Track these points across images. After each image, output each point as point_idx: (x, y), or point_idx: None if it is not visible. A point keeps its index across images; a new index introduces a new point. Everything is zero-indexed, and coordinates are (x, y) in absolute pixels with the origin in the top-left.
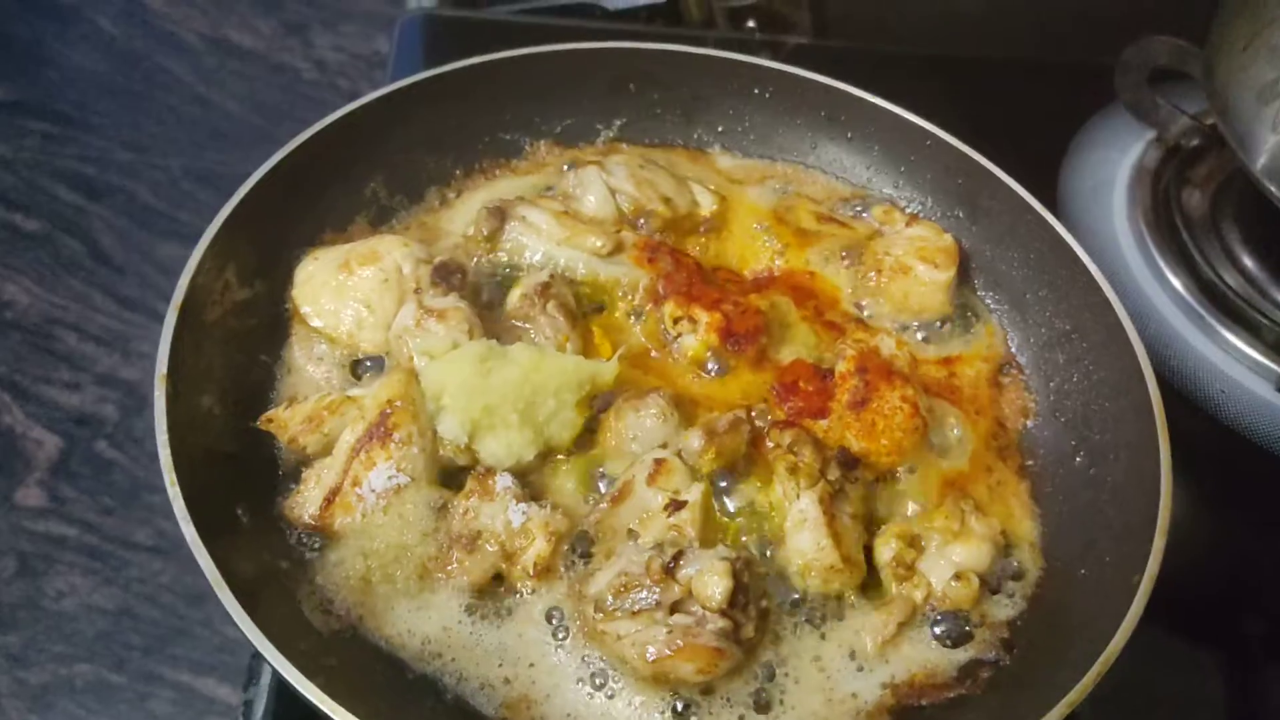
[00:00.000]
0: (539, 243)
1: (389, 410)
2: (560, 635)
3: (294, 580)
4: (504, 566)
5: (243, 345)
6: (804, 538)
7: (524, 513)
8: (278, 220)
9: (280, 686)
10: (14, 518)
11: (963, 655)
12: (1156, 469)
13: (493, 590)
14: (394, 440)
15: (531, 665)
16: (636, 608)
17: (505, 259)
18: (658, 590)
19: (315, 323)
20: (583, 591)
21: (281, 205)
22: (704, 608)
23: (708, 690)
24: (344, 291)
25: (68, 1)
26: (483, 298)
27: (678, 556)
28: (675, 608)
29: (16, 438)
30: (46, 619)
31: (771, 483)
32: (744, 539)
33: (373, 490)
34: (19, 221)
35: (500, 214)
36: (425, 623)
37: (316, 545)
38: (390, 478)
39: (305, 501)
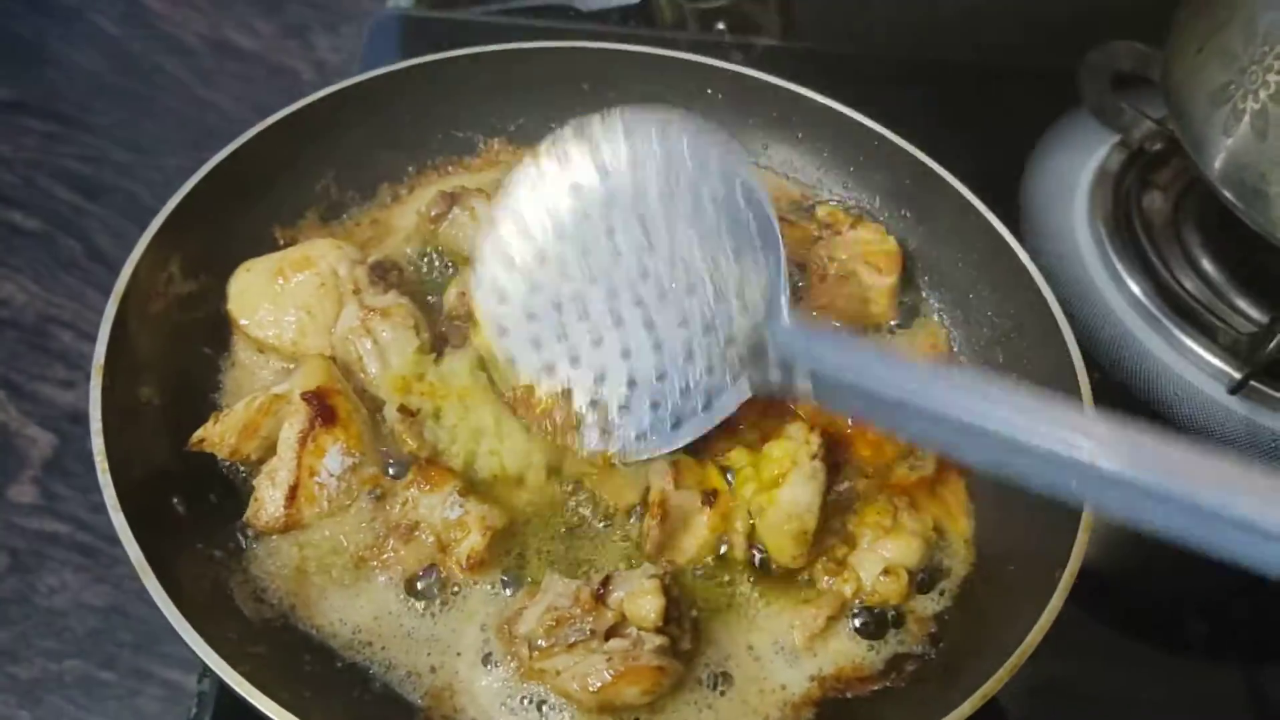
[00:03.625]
0: (476, 235)
1: (324, 393)
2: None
3: (227, 569)
4: (439, 558)
5: (186, 338)
6: (802, 490)
7: (461, 505)
8: (225, 215)
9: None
10: (6, 514)
11: (889, 649)
12: None
13: (427, 582)
14: (339, 421)
15: (459, 655)
16: (571, 640)
17: (441, 251)
18: (591, 619)
19: (256, 334)
20: (513, 632)
21: (229, 199)
22: (639, 628)
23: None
24: (282, 299)
25: (70, 2)
26: (424, 295)
27: (605, 582)
28: (611, 633)
29: (10, 435)
30: (37, 615)
31: (760, 450)
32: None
33: (331, 474)
34: (18, 220)
35: (451, 199)
36: (357, 612)
37: (251, 535)
38: (344, 458)
39: (266, 504)
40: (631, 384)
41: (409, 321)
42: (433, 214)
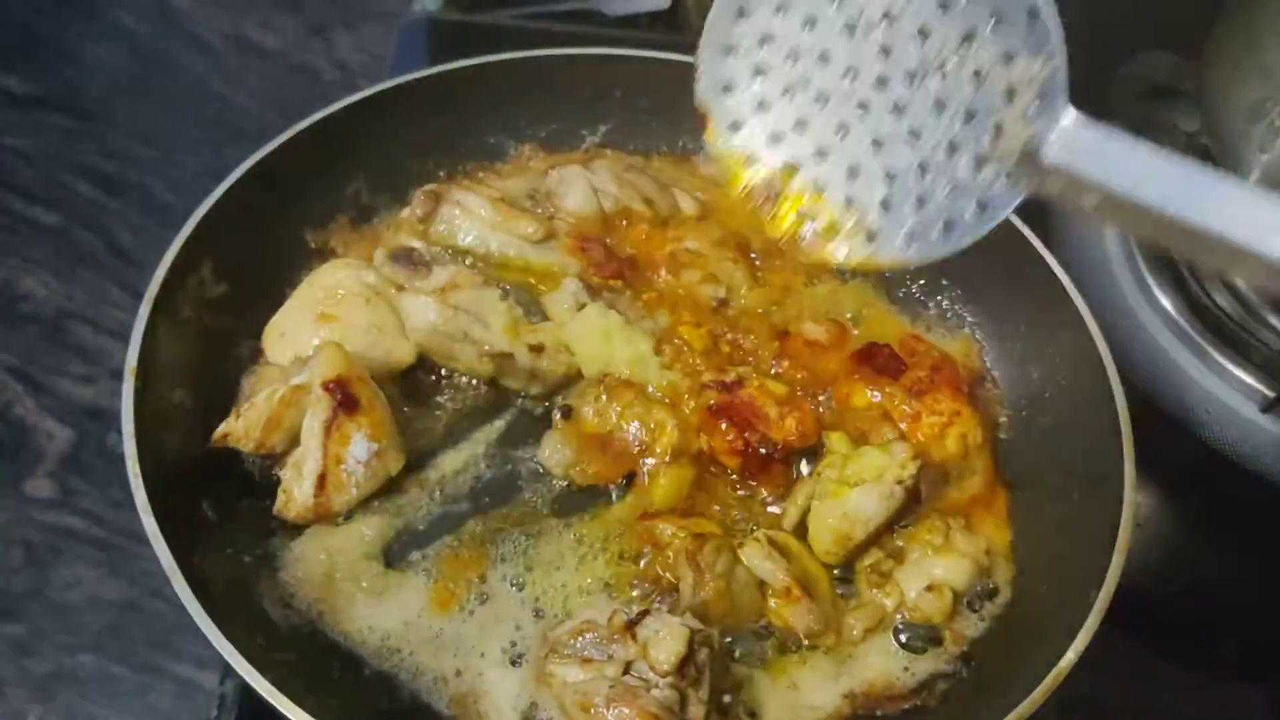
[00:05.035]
0: (472, 226)
1: (344, 382)
2: (519, 631)
3: (256, 575)
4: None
5: (217, 341)
6: (870, 504)
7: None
8: (257, 218)
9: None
10: (23, 508)
11: (923, 667)
12: (1121, 486)
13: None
14: (361, 408)
15: (482, 656)
16: (586, 653)
17: (441, 240)
18: (615, 645)
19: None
20: (547, 636)
21: (261, 204)
22: (652, 669)
23: None
24: (349, 331)
25: None
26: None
27: (643, 614)
28: (627, 668)
29: (28, 429)
30: (52, 609)
31: (854, 451)
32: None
33: (358, 461)
34: (38, 215)
35: (436, 197)
36: (386, 619)
37: (281, 541)
38: (368, 444)
39: (296, 495)
40: (890, 177)
41: (478, 280)
42: (419, 214)
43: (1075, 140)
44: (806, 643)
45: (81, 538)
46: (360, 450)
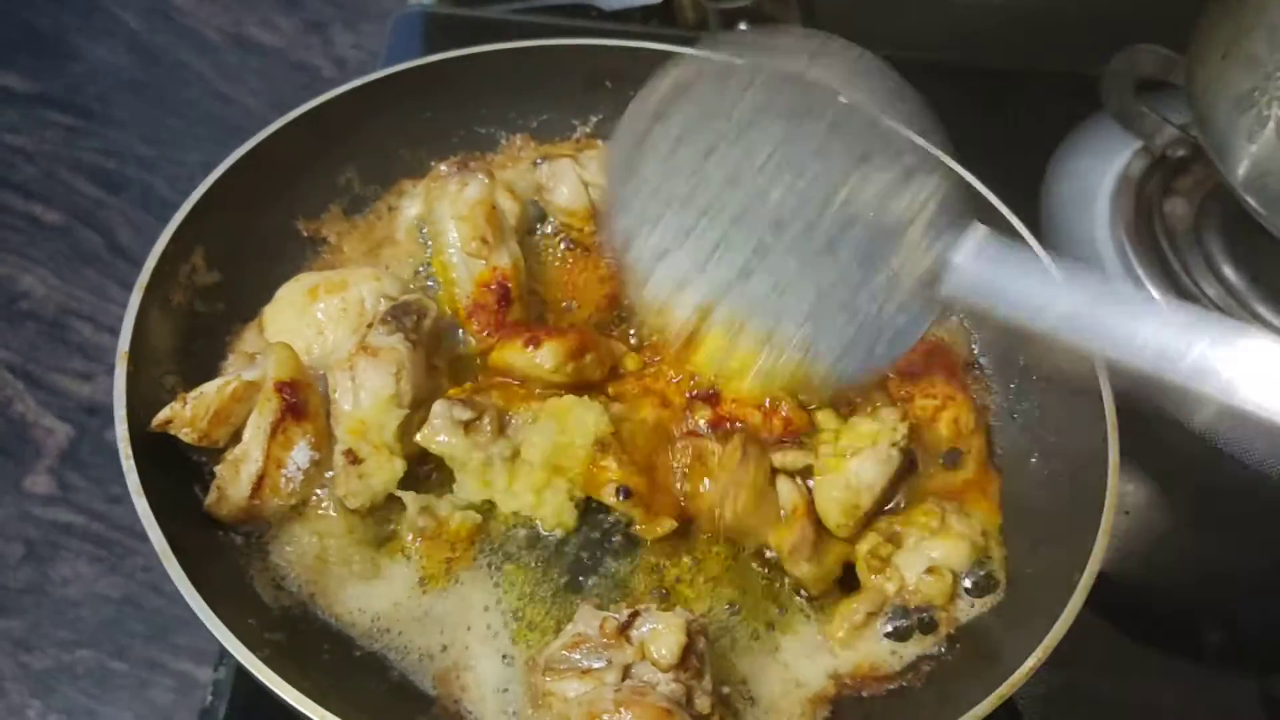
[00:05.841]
0: (445, 209)
1: (296, 386)
2: (500, 595)
3: (247, 557)
4: None
5: (208, 327)
6: (870, 469)
7: None
8: (249, 207)
9: (242, 665)
10: (23, 504)
11: (911, 649)
12: (1105, 471)
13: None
14: (308, 415)
15: (468, 629)
16: (585, 665)
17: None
18: (610, 651)
19: (270, 338)
20: (535, 660)
21: (252, 192)
22: (654, 665)
23: None
24: (305, 314)
25: None
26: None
27: (633, 616)
28: (627, 672)
29: (28, 426)
30: (51, 605)
31: (847, 421)
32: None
33: (298, 468)
34: (39, 213)
35: (464, 167)
36: (376, 599)
37: (272, 524)
38: (310, 452)
39: (230, 494)
40: (812, 303)
41: (390, 368)
42: (445, 170)
43: (977, 263)
44: (802, 593)
45: (80, 534)
46: (302, 457)
